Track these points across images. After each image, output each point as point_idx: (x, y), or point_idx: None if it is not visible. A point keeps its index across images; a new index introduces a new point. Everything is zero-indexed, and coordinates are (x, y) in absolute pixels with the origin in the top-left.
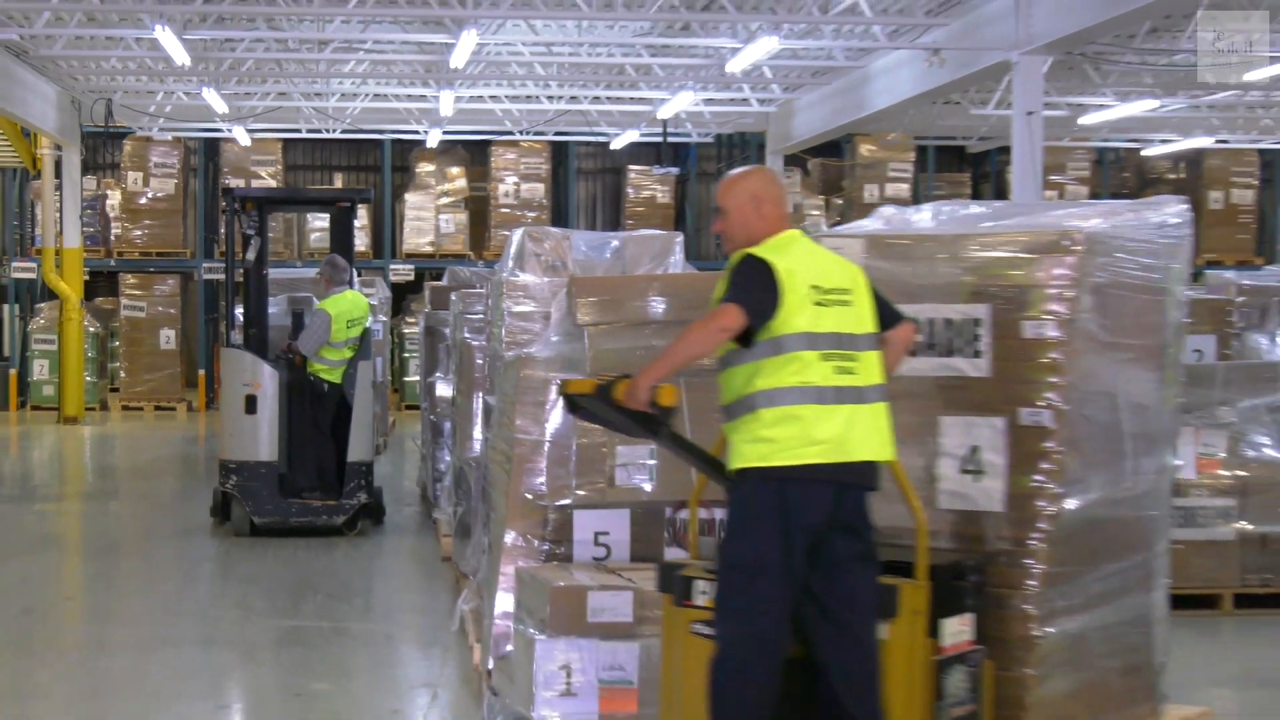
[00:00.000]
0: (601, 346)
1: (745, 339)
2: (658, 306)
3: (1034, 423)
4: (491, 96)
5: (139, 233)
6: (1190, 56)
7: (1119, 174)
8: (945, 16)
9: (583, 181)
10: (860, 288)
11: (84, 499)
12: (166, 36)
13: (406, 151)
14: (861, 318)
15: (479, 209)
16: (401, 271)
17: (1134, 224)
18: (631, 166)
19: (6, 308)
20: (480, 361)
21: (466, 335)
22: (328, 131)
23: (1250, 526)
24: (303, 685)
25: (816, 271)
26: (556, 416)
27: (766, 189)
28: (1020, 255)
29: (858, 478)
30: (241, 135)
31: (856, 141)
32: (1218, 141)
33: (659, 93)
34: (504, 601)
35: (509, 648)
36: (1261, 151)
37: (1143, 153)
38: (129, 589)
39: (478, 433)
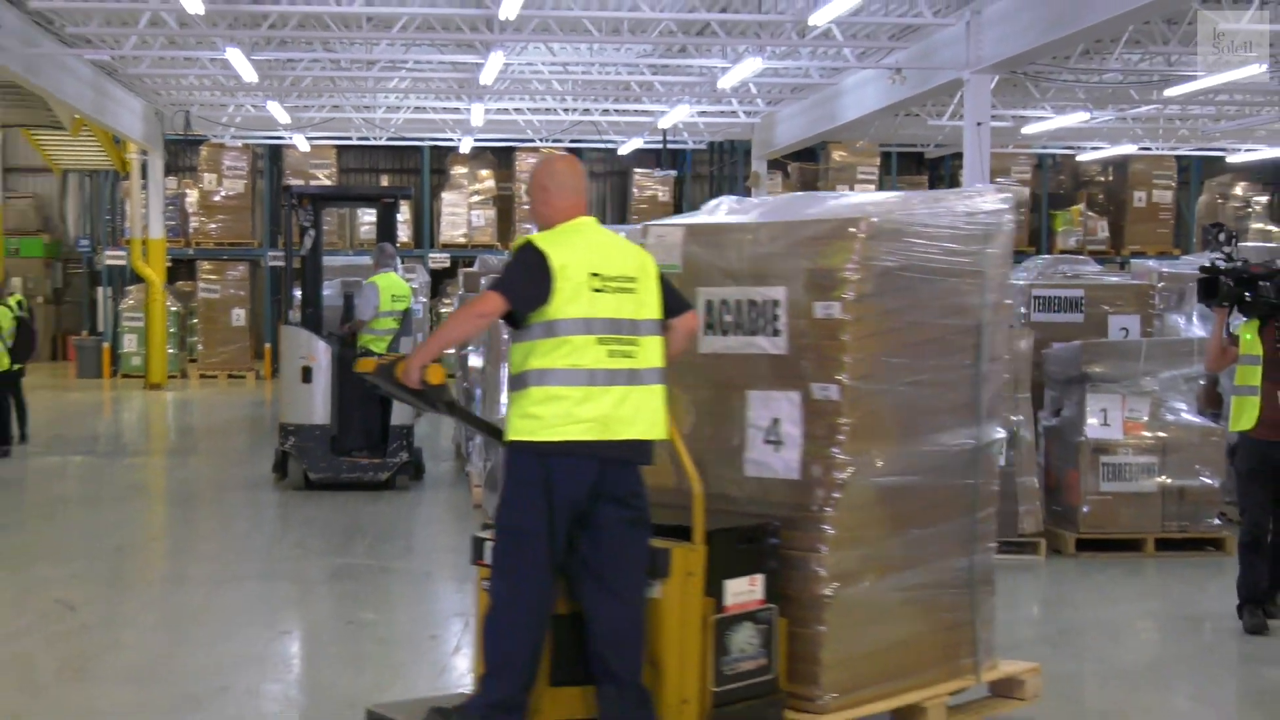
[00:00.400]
0: None
1: (516, 321)
2: None
3: (824, 397)
4: (515, 109)
5: (213, 226)
6: (1117, 75)
7: (1056, 177)
8: (906, 40)
9: (593, 182)
10: (647, 276)
11: (166, 454)
12: (236, 57)
13: (443, 156)
14: (644, 304)
15: (505, 206)
16: (439, 259)
17: (935, 213)
18: (636, 169)
19: (101, 290)
20: (505, 336)
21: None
22: (375, 139)
23: (1169, 480)
24: (353, 615)
25: (598, 259)
26: None
27: (555, 178)
28: (810, 241)
29: (623, 454)
30: (301, 142)
31: (830, 148)
32: (1141, 148)
33: (659, 105)
34: None
35: None
36: (1179, 157)
37: (1076, 158)
38: (203, 532)
39: (503, 398)
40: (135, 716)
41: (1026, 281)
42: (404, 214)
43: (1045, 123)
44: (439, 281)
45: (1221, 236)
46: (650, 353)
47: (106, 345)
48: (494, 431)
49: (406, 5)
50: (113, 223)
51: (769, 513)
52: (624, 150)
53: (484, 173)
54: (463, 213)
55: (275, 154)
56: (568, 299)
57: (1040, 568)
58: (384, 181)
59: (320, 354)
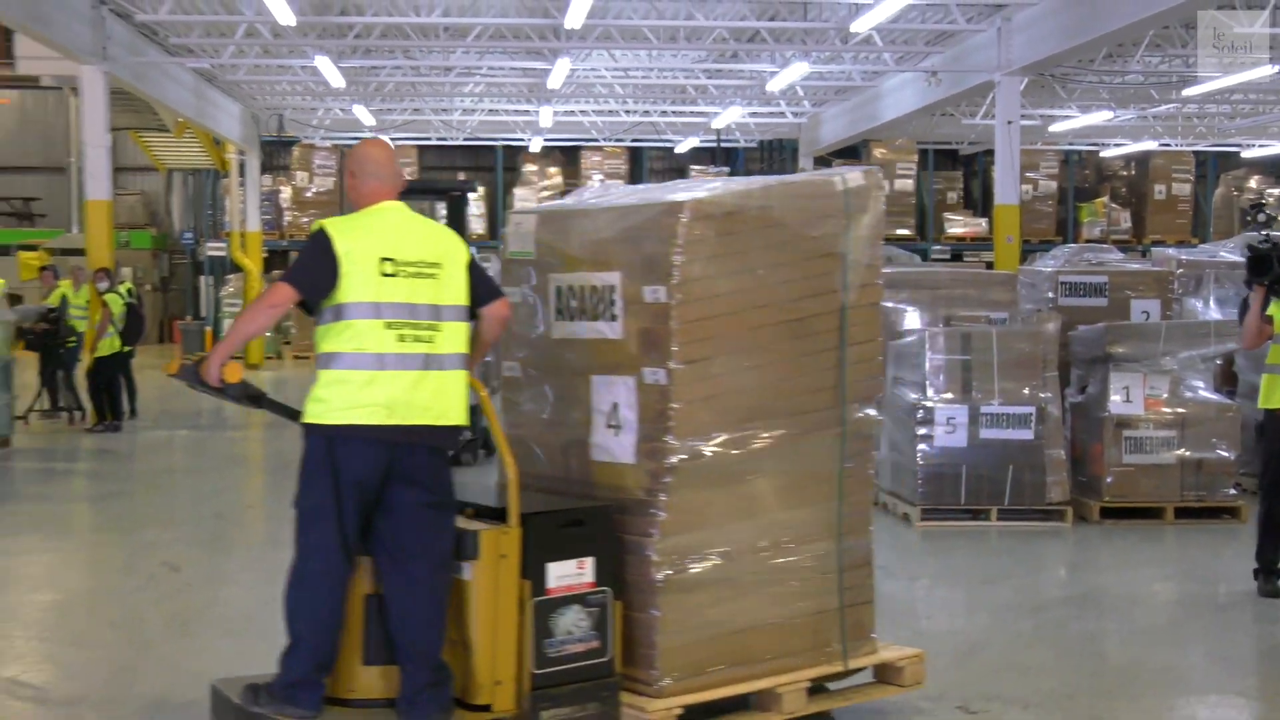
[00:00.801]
0: None
1: (309, 309)
2: None
3: (654, 382)
4: (581, 111)
5: (305, 219)
6: (1138, 76)
7: (1081, 171)
8: (941, 46)
9: (653, 178)
10: (453, 262)
11: (263, 428)
12: (325, 64)
13: (514, 155)
14: (446, 290)
15: None
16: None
17: (783, 196)
18: (692, 166)
19: (203, 279)
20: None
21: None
22: (452, 139)
23: (1188, 453)
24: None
25: (395, 245)
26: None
27: (362, 163)
28: (639, 226)
29: (414, 438)
30: (384, 140)
31: (871, 146)
32: (1161, 145)
33: (713, 107)
34: None
35: None
36: (1196, 153)
37: (1100, 154)
38: (252, 499)
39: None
40: (234, 667)
41: (1054, 269)
42: (479, 208)
43: (1071, 121)
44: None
45: (1261, 216)
46: (451, 338)
47: (208, 329)
48: (296, 416)
49: (480, 16)
50: (213, 217)
51: (614, 497)
52: (680, 149)
53: (552, 169)
54: (533, 205)
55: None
56: (354, 284)
57: (1067, 534)
58: (460, 178)
59: None
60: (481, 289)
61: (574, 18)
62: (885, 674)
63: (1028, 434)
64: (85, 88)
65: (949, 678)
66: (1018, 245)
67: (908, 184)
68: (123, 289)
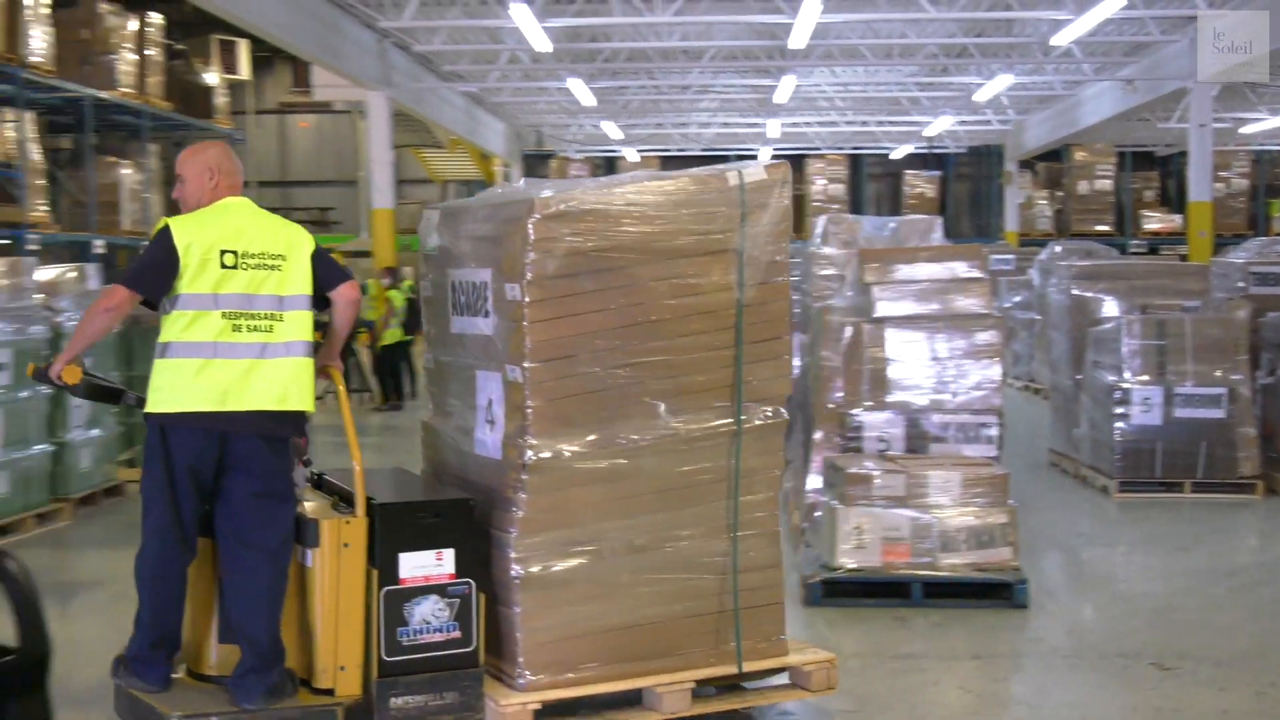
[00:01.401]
0: (881, 298)
1: (152, 305)
2: (923, 269)
3: (514, 379)
4: (805, 123)
5: None
6: None
7: (1272, 170)
8: (1136, 56)
9: (871, 183)
10: (297, 254)
11: None
12: (577, 86)
13: (746, 162)
14: (289, 281)
15: (797, 204)
16: None
17: (656, 194)
18: (906, 171)
19: None
20: (797, 310)
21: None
22: (690, 151)
23: None
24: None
25: (237, 238)
26: (851, 347)
27: (220, 162)
28: (502, 224)
29: (246, 425)
30: (630, 154)
31: (1072, 149)
32: None
33: (925, 117)
34: (814, 481)
35: (818, 514)
36: None
37: None
38: None
39: (796, 361)
40: None
41: (1245, 260)
42: None
43: (1262, 123)
44: None
45: None
46: (293, 327)
47: None
48: (118, 398)
49: (714, 39)
50: None
51: (488, 492)
52: (895, 155)
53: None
54: (441, 203)
55: (610, 165)
56: (193, 276)
57: (1258, 505)
58: None
59: None
60: (328, 275)
61: (798, 39)
62: (795, 678)
63: (1219, 413)
64: (372, 111)
65: (1145, 637)
66: (1210, 239)
67: (1107, 184)
68: (404, 286)
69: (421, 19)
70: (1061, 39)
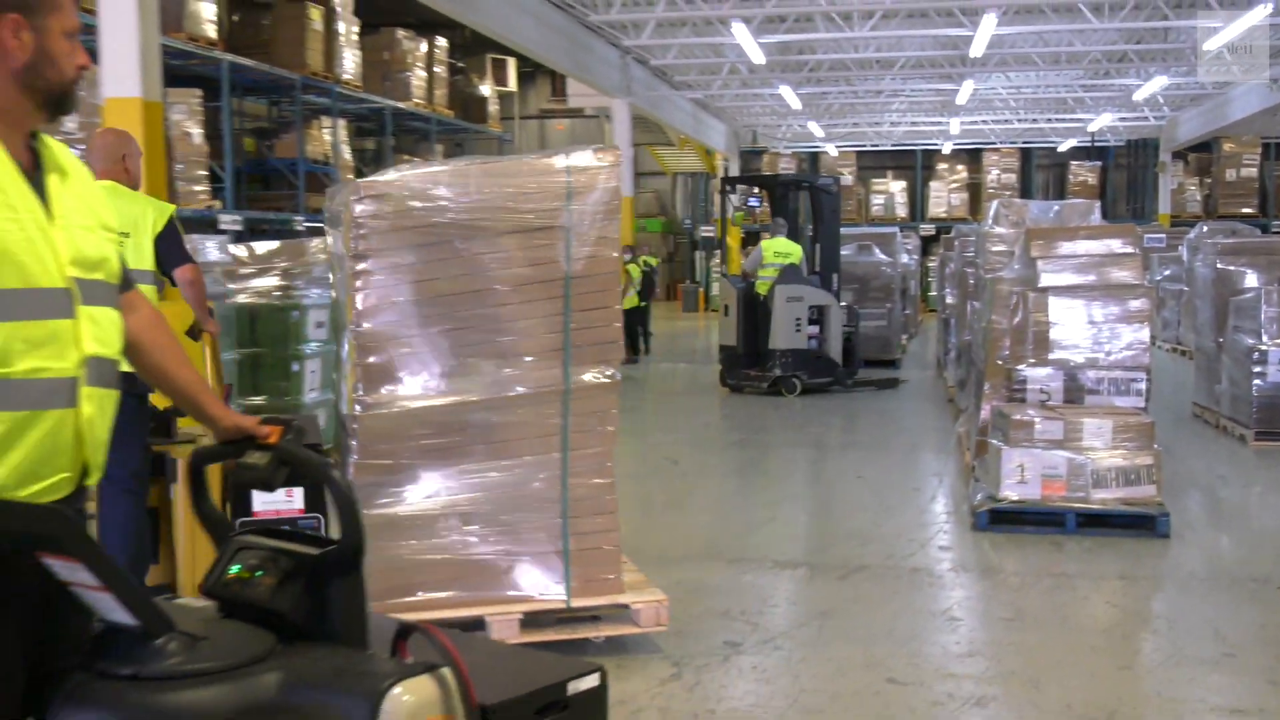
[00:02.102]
0: (1045, 270)
1: None
2: (1082, 246)
3: (351, 340)
4: (982, 121)
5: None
6: None
7: None
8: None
9: (1039, 172)
10: (141, 233)
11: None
12: (787, 92)
13: (930, 157)
14: (130, 255)
15: (974, 191)
16: (926, 229)
17: (487, 176)
18: (1071, 161)
19: (697, 253)
20: (971, 282)
21: (965, 266)
22: (882, 145)
23: None
24: (859, 470)
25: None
26: (1018, 312)
27: (91, 150)
28: (340, 205)
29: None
30: (831, 150)
31: (1221, 141)
32: None
33: (1089, 114)
34: (982, 426)
35: (984, 454)
36: None
37: None
38: (751, 412)
39: (972, 323)
40: (713, 535)
41: None
42: (903, 196)
43: None
44: (928, 245)
45: None
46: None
47: (701, 289)
48: None
49: (903, 51)
50: (705, 208)
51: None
52: (1062, 148)
53: (960, 168)
54: (944, 196)
55: (814, 159)
56: None
57: None
58: (889, 177)
59: (734, 296)
60: (169, 256)
61: (977, 49)
62: (634, 616)
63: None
64: (615, 115)
65: (1275, 565)
66: None
67: (1252, 171)
68: (641, 260)
69: (657, 38)
70: (1212, 44)
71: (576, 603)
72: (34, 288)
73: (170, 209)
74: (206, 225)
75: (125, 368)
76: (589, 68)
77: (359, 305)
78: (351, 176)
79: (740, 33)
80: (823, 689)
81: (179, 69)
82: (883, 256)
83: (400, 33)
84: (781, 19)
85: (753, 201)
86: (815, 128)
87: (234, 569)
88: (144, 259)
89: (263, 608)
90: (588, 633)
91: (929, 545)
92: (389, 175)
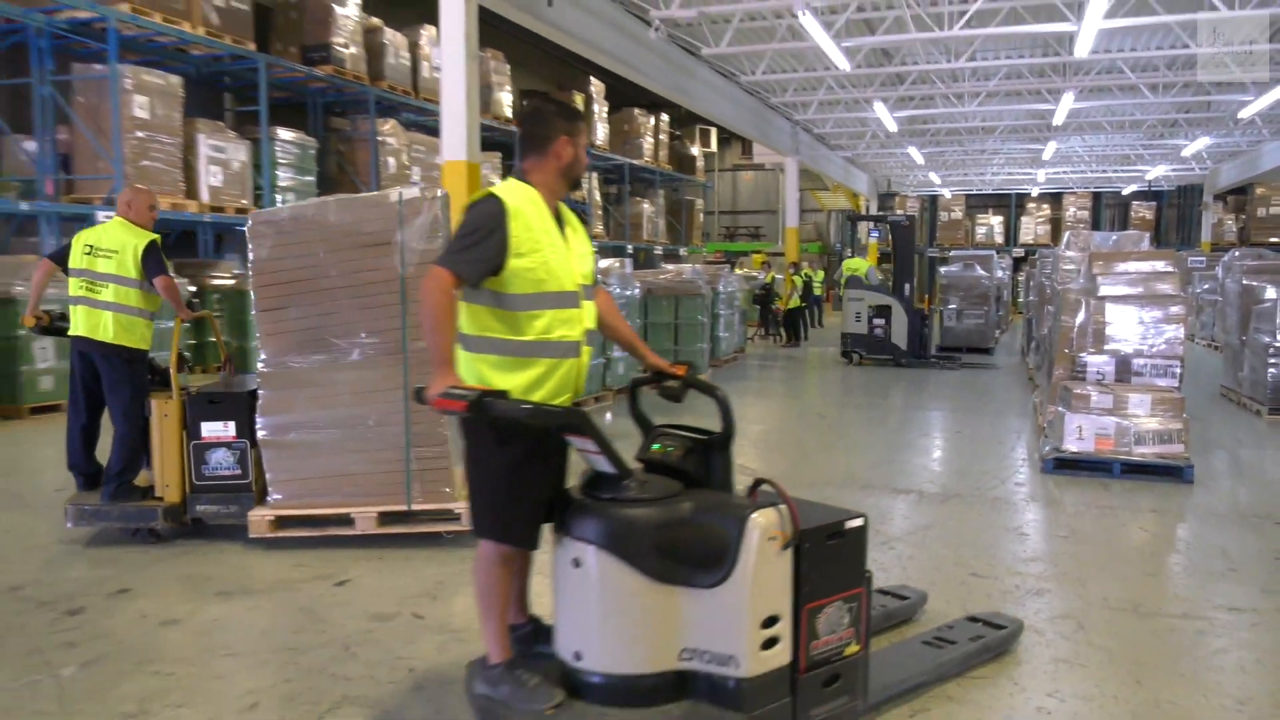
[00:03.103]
0: (1103, 283)
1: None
2: (1133, 266)
3: (256, 320)
4: (1062, 171)
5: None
6: None
7: None
8: None
9: (1107, 210)
10: (128, 251)
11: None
12: (914, 151)
13: (1022, 197)
14: (117, 266)
15: (1055, 224)
16: (1017, 252)
17: (338, 208)
18: (1134, 201)
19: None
20: (1047, 291)
21: (1043, 280)
22: (984, 190)
23: None
24: (960, 428)
25: (95, 239)
26: (1082, 314)
27: (128, 198)
28: (264, 224)
29: (87, 346)
30: (946, 193)
31: (1254, 186)
32: None
33: (1146, 166)
34: (1052, 398)
35: (1052, 417)
36: None
37: None
38: (874, 381)
39: (1047, 322)
40: (850, 469)
41: None
42: (1000, 227)
43: None
44: (1018, 264)
45: None
46: (114, 294)
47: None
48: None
49: (1002, 120)
50: (852, 245)
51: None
52: (1125, 192)
53: (1044, 206)
54: (1031, 227)
55: (933, 200)
56: (74, 258)
57: None
58: (989, 215)
59: (876, 296)
60: (149, 270)
61: (1059, 118)
62: (446, 516)
63: None
64: (787, 169)
65: (1276, 508)
66: None
67: (1279, 209)
68: (803, 272)
69: (818, 113)
70: (1246, 113)
71: (416, 506)
72: (564, 290)
73: (152, 238)
74: None
75: (116, 340)
76: (769, 135)
77: (255, 298)
78: (601, 214)
79: (880, 109)
80: (924, 577)
81: (487, 139)
82: (982, 272)
83: (636, 111)
84: (910, 98)
85: (874, 233)
86: (934, 176)
87: (655, 446)
88: (127, 270)
89: (674, 468)
90: (427, 528)
91: (1008, 482)
92: (282, 210)
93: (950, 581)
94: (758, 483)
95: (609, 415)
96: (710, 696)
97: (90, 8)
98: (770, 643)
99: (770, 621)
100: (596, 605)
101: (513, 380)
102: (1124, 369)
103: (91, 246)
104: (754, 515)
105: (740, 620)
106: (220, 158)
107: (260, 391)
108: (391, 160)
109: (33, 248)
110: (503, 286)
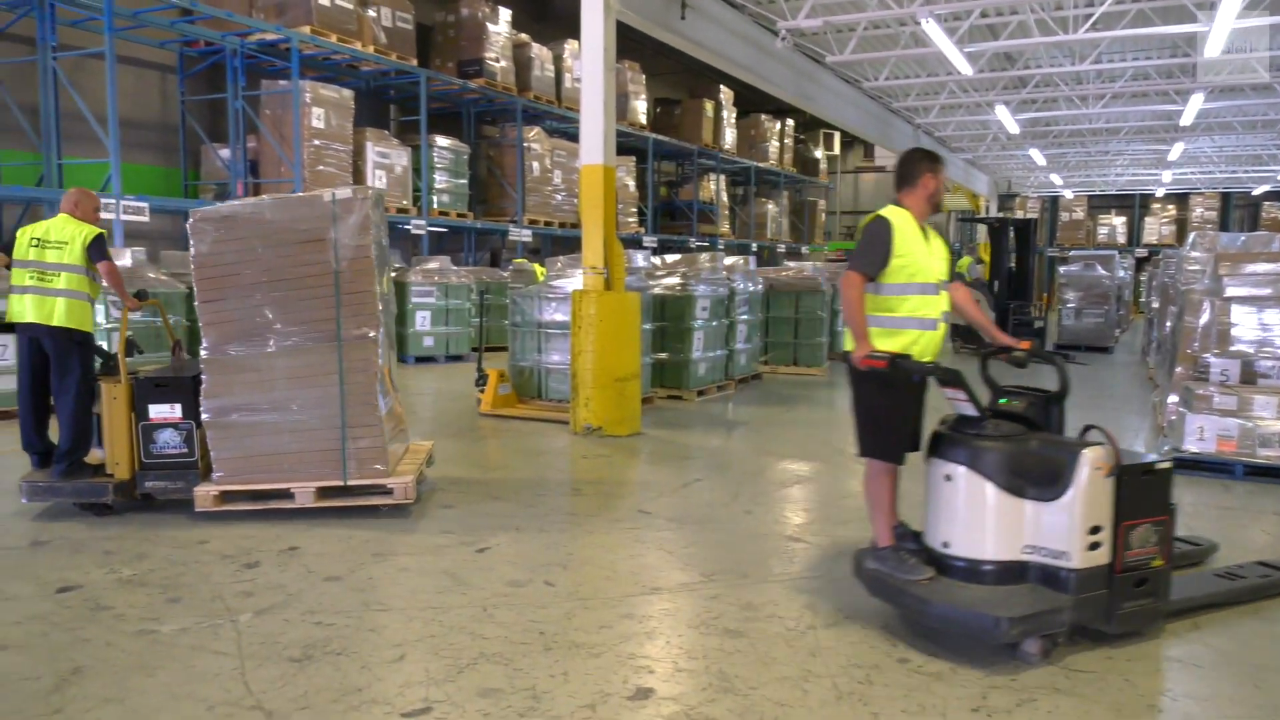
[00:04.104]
0: (1229, 284)
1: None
2: (1262, 267)
3: (198, 311)
4: (1189, 172)
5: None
6: None
7: None
8: None
9: (1236, 210)
10: (76, 241)
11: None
12: (1036, 153)
13: (1146, 198)
14: (65, 255)
15: (1181, 224)
16: (1140, 252)
17: (277, 205)
18: (1265, 202)
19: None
20: (1171, 292)
21: (1166, 280)
22: (1108, 191)
23: None
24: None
25: (44, 232)
26: (1206, 315)
27: (72, 199)
28: (204, 221)
29: (38, 331)
30: (1068, 194)
31: None
32: None
33: (1277, 167)
34: (1173, 397)
35: (1173, 417)
36: None
37: None
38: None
39: (1169, 322)
40: None
41: None
42: (1123, 227)
43: None
44: (1141, 264)
45: None
46: (65, 281)
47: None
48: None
49: (1127, 121)
50: (971, 236)
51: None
52: (1256, 192)
53: (1170, 207)
54: (1156, 228)
55: (1054, 201)
56: (18, 250)
57: None
58: (1112, 213)
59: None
60: (94, 256)
61: (1187, 118)
62: (379, 490)
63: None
64: None
65: None
66: None
67: None
68: None
69: (939, 117)
70: None
71: (351, 482)
72: (929, 282)
73: (96, 231)
74: (634, 244)
75: (67, 324)
76: (891, 138)
77: (197, 290)
78: (727, 214)
79: (1001, 112)
80: None
81: (622, 144)
82: (1103, 272)
83: (763, 116)
84: (1033, 101)
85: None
86: (1056, 178)
87: (1002, 401)
88: (75, 258)
89: (1020, 416)
90: (361, 502)
91: None
92: (221, 208)
93: None
94: (1087, 428)
95: (731, 404)
96: (1045, 582)
97: (277, 30)
98: (1094, 546)
99: (1095, 530)
100: (962, 508)
101: (893, 344)
102: (1248, 370)
103: (39, 240)
104: (1085, 450)
105: (1073, 526)
106: (385, 163)
107: (204, 376)
108: (536, 164)
109: None
110: (887, 278)
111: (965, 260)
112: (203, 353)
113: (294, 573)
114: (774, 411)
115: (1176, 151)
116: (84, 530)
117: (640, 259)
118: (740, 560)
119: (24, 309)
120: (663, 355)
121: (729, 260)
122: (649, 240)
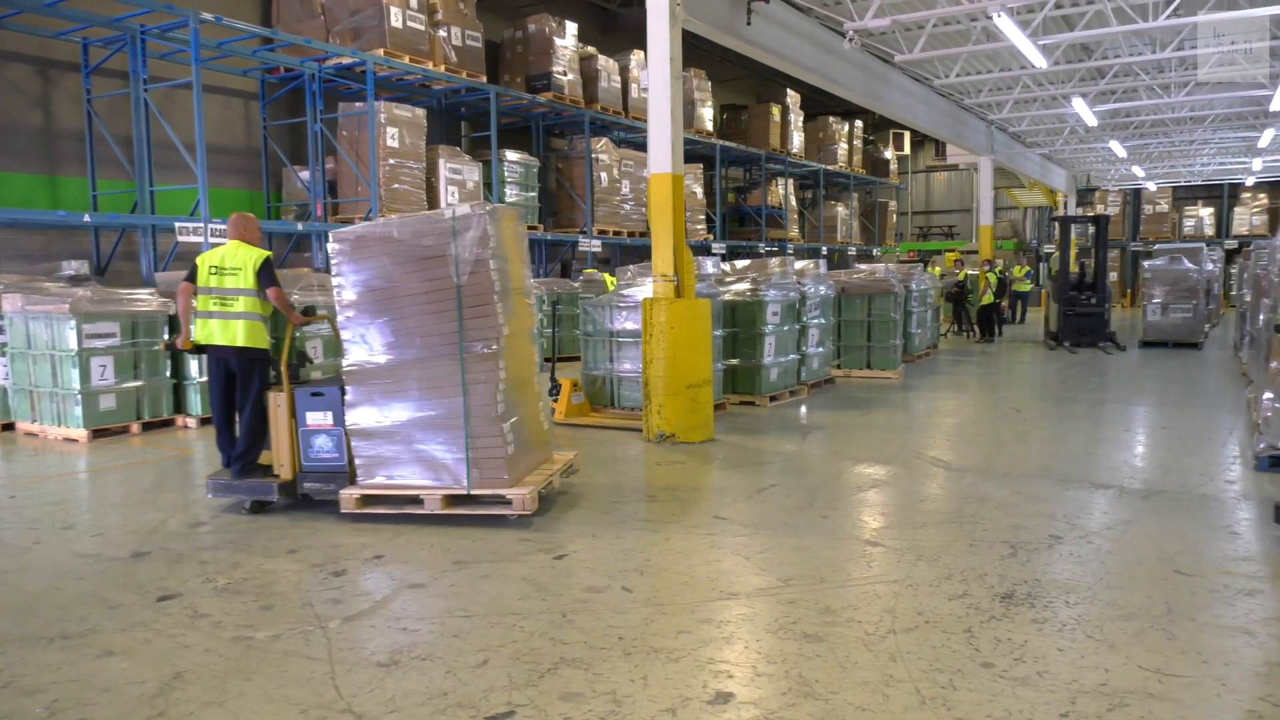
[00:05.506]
0: None
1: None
2: None
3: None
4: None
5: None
6: None
7: None
8: None
9: None
10: (248, 267)
11: (1035, 350)
12: (1116, 145)
13: (1235, 188)
14: (240, 280)
15: (1273, 214)
16: (1230, 244)
17: (402, 225)
18: None
19: (1041, 264)
20: (1264, 284)
21: (1259, 271)
22: (1193, 182)
23: None
24: (1165, 422)
25: (220, 259)
26: None
27: (237, 225)
28: (341, 242)
29: (225, 352)
30: (1151, 186)
31: None
32: None
33: None
34: (1268, 393)
35: (1268, 413)
36: None
37: None
38: (1054, 375)
39: (1263, 315)
40: (1046, 461)
41: None
42: (1210, 219)
43: None
44: (1231, 256)
45: None
46: (243, 305)
47: (1043, 291)
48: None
49: (1213, 109)
50: (1050, 232)
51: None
52: None
53: (1261, 195)
54: (1246, 218)
55: (1136, 194)
56: (201, 278)
57: None
58: (1199, 206)
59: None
60: (263, 281)
61: (1276, 103)
62: (502, 499)
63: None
64: (981, 168)
65: None
66: None
67: None
68: (998, 269)
69: (1013, 112)
70: None
71: (475, 491)
72: None
73: (264, 254)
74: (703, 251)
75: (248, 344)
76: (963, 135)
77: (342, 303)
78: (796, 217)
79: (1079, 104)
80: (1123, 572)
81: (690, 151)
82: (1190, 265)
83: (831, 118)
84: (1111, 92)
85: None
86: (1138, 170)
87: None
88: (248, 282)
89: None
90: (486, 510)
91: (1217, 479)
92: (355, 229)
93: (1152, 578)
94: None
95: (804, 408)
96: None
97: (352, 54)
98: None
99: None
100: None
101: None
102: None
103: (217, 267)
104: None
105: None
106: (457, 178)
107: (347, 387)
108: (604, 175)
109: (305, 262)
110: None
111: (1020, 269)
112: (344, 365)
113: (378, 580)
114: (848, 415)
115: (1267, 138)
116: (183, 542)
117: (709, 265)
118: (817, 565)
119: (211, 333)
120: (734, 361)
121: (799, 264)
122: (718, 247)
